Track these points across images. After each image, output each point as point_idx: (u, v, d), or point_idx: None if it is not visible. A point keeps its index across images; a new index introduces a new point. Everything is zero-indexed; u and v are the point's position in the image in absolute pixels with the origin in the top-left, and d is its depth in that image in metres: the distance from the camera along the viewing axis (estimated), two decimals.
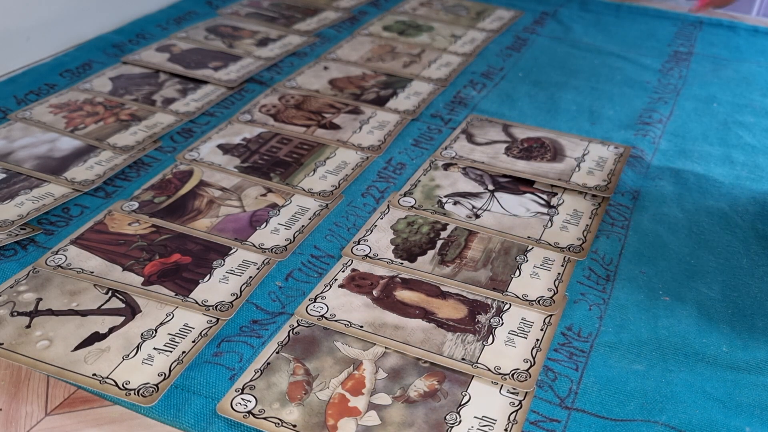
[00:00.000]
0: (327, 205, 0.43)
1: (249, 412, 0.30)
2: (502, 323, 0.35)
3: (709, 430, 0.30)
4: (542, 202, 0.44)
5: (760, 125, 0.54)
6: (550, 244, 0.40)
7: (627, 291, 0.38)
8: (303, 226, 0.41)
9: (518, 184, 0.45)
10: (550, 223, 0.42)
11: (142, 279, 0.37)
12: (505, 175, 0.46)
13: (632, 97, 0.57)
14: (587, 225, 0.42)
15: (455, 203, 0.43)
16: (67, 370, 0.32)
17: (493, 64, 0.62)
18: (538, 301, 0.36)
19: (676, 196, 0.45)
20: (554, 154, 0.48)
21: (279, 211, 0.42)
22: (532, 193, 0.44)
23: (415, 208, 0.43)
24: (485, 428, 0.30)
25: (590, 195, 0.45)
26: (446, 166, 0.47)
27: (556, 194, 0.44)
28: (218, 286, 0.36)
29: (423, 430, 0.30)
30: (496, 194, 0.44)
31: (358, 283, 0.37)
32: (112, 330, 0.34)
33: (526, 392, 0.32)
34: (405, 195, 0.44)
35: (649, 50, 0.66)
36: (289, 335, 0.34)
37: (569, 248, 0.40)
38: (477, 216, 0.42)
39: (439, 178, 0.46)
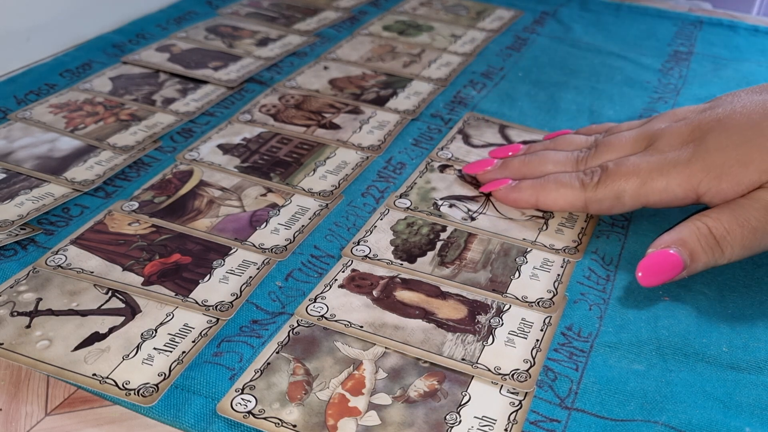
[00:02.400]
0: (327, 205, 0.43)
1: (249, 412, 0.30)
2: (502, 323, 0.35)
3: (709, 430, 0.30)
4: None
5: None
6: (545, 246, 0.40)
7: (627, 291, 0.38)
8: (303, 226, 0.41)
9: None
10: (545, 226, 0.42)
11: (142, 279, 0.37)
12: None
13: (632, 96, 0.57)
14: (582, 228, 0.42)
15: (450, 206, 0.43)
16: (67, 370, 0.32)
17: (493, 63, 0.62)
18: (538, 303, 0.36)
19: None
20: None
21: (279, 211, 0.42)
22: None
23: (411, 209, 0.43)
24: (485, 428, 0.30)
25: None
26: (442, 168, 0.47)
27: None
28: (218, 286, 0.36)
29: (423, 430, 0.30)
30: (491, 197, 0.44)
31: (358, 283, 0.37)
32: (112, 330, 0.34)
33: (526, 392, 0.32)
34: (401, 197, 0.44)
35: (649, 50, 0.66)
36: (289, 335, 0.34)
37: (564, 250, 0.40)
38: (472, 219, 0.42)
39: (435, 180, 0.46)
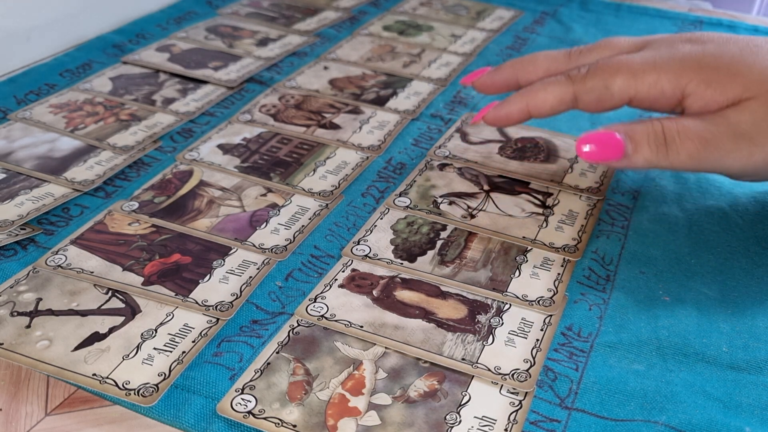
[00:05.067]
0: (327, 205, 0.43)
1: (249, 412, 0.30)
2: (502, 323, 0.35)
3: (709, 430, 0.30)
4: (537, 202, 0.44)
5: None
6: (545, 244, 0.40)
7: (627, 291, 0.38)
8: (303, 226, 0.41)
9: (514, 185, 0.45)
10: (545, 223, 0.42)
11: (142, 279, 0.37)
12: (501, 175, 0.46)
13: None
14: (582, 225, 0.42)
15: (450, 203, 0.43)
16: (67, 370, 0.32)
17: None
18: (538, 302, 0.36)
19: (676, 196, 0.45)
20: (547, 154, 0.48)
21: (279, 211, 0.42)
22: (528, 194, 0.44)
23: (411, 208, 0.43)
24: (485, 428, 0.30)
25: (585, 195, 0.45)
26: (442, 167, 0.47)
27: (551, 194, 0.44)
28: (218, 286, 0.36)
29: (423, 430, 0.30)
30: (491, 194, 0.44)
31: (358, 283, 0.37)
32: (112, 330, 0.34)
33: (526, 392, 0.32)
34: (400, 195, 0.44)
35: None
36: (289, 335, 0.34)
37: (564, 248, 0.40)
38: (472, 216, 0.42)
39: (434, 178, 0.46)
